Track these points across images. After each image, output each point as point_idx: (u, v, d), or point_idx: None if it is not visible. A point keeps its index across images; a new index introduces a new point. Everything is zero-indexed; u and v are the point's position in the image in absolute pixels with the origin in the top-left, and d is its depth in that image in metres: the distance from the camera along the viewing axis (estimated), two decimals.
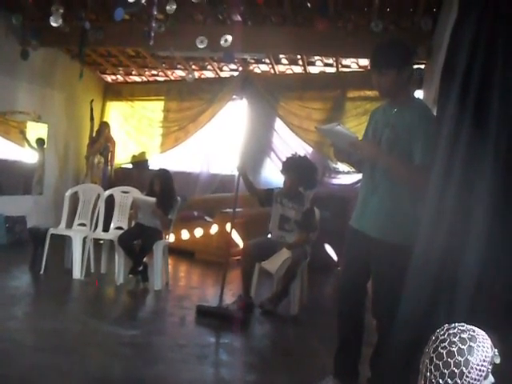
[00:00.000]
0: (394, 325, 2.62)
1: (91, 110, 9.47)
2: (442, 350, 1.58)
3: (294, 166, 5.39)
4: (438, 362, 1.57)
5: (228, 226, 7.78)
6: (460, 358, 1.55)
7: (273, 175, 8.68)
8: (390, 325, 2.70)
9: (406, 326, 2.56)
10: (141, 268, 5.96)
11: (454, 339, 1.58)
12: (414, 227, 2.75)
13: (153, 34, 5.86)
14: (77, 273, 6.14)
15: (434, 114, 3.03)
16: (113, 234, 6.35)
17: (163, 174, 6.35)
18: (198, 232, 8.25)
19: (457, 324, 1.64)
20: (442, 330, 1.64)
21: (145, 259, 6.03)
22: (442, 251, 2.46)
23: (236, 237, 7.51)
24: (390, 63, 3.02)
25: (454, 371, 1.55)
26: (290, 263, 5.10)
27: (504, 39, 2.36)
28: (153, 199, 5.97)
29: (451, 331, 1.61)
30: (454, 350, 1.56)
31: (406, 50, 3.10)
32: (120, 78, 10.61)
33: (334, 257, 8.16)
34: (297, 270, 5.20)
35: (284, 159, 5.75)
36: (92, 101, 9.51)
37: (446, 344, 1.58)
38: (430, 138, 2.80)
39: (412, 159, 2.94)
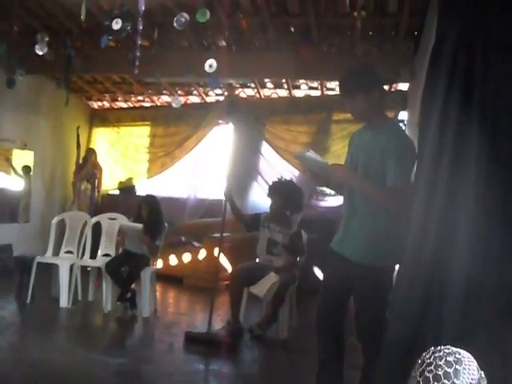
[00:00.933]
0: (381, 347, 2.61)
1: (77, 136, 9.47)
2: (428, 374, 1.57)
3: (280, 190, 5.41)
4: None
5: (216, 251, 7.77)
6: (447, 382, 1.54)
7: (260, 199, 8.68)
8: (376, 349, 2.68)
9: (393, 348, 2.55)
10: (129, 295, 5.91)
11: (440, 362, 1.57)
12: (394, 248, 2.80)
13: (137, 63, 5.89)
14: (64, 301, 6.08)
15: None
16: (100, 261, 6.31)
17: (150, 199, 6.34)
18: (186, 257, 8.21)
19: (442, 347, 1.63)
20: (428, 353, 1.63)
21: (133, 286, 5.99)
22: (428, 266, 2.47)
23: (224, 261, 7.48)
24: (357, 87, 3.05)
25: None
26: (278, 287, 5.09)
27: (481, 63, 2.40)
28: (139, 225, 5.95)
29: (437, 354, 1.61)
30: (440, 373, 1.55)
31: (371, 74, 3.15)
32: (106, 105, 10.63)
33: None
34: (285, 294, 5.18)
35: (270, 183, 5.77)
36: (78, 127, 9.51)
37: (432, 368, 1.57)
38: (402, 160, 2.87)
39: (385, 181, 2.95)
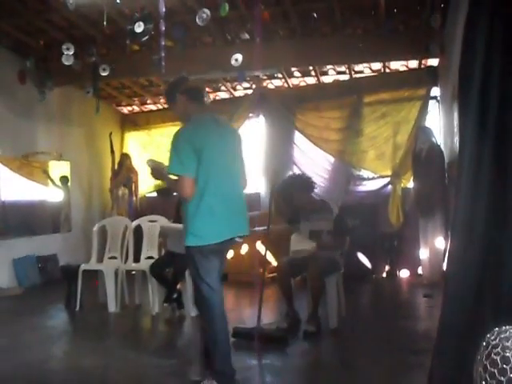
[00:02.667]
0: (440, 333, 2.54)
1: (111, 142, 9.54)
2: (495, 357, 1.49)
3: (291, 188, 5.33)
4: (492, 369, 1.48)
5: (258, 245, 7.74)
6: None
7: None
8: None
9: (451, 331, 2.47)
10: (175, 296, 5.93)
11: (508, 343, 1.49)
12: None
13: (163, 63, 5.88)
14: (112, 306, 6.14)
15: (454, 108, 2.98)
16: (144, 264, 6.34)
17: None
18: (229, 253, 8.18)
19: (507, 327, 1.55)
20: (493, 334, 1.55)
21: (178, 286, 6.00)
22: (480, 247, 2.39)
23: (268, 255, 7.44)
24: (168, 98, 3.80)
25: (511, 378, 1.45)
26: (316, 274, 5.05)
27: None
28: (180, 226, 5.93)
29: (503, 335, 1.52)
30: (509, 355, 1.47)
31: (174, 86, 3.74)
32: (136, 108, 10.69)
33: (368, 264, 8.05)
34: (324, 282, 5.11)
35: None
36: (111, 133, 9.59)
37: (499, 349, 1.49)
38: (171, 152, 3.42)
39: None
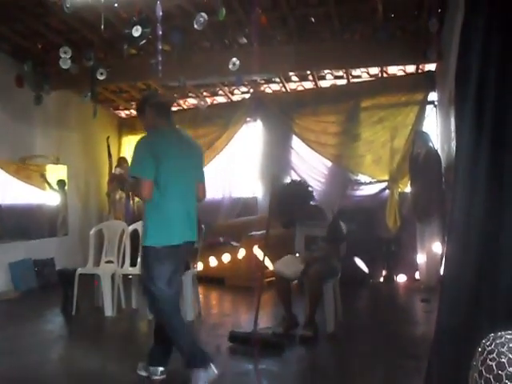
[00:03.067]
0: (437, 338, 2.53)
1: (108, 146, 9.55)
2: (490, 362, 1.48)
3: (292, 198, 5.32)
4: (488, 375, 1.47)
5: (255, 249, 7.73)
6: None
7: None
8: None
9: (447, 335, 2.47)
10: None
11: (503, 349, 1.48)
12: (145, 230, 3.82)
13: (160, 67, 5.88)
14: (108, 310, 6.13)
15: (451, 113, 2.98)
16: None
17: None
18: (226, 258, 8.20)
19: (503, 332, 1.54)
20: (488, 340, 1.54)
21: None
22: (476, 251, 2.38)
23: (265, 259, 7.43)
24: (139, 110, 4.15)
25: None
26: (313, 279, 5.06)
27: None
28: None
29: (498, 341, 1.51)
30: (504, 360, 1.46)
31: (145, 99, 4.16)
32: (133, 112, 10.68)
33: (365, 269, 8.04)
34: (322, 286, 5.11)
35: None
36: (108, 137, 9.59)
37: (494, 355, 1.48)
38: (133, 157, 3.89)
39: None
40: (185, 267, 5.90)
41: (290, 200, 5.25)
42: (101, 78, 7.40)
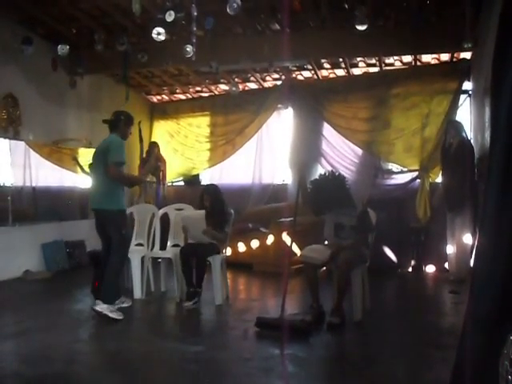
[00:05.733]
0: (466, 328, 2.51)
1: (139, 131, 9.62)
2: None
3: (329, 190, 5.28)
4: None
5: (284, 236, 7.75)
6: None
7: None
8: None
9: (478, 323, 2.45)
10: (196, 290, 5.90)
11: None
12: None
13: (194, 49, 5.90)
14: (137, 292, 6.22)
15: (486, 102, 2.93)
16: (170, 251, 6.39)
17: (211, 188, 6.33)
18: (255, 244, 8.24)
19: None
20: None
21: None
22: (509, 248, 2.35)
23: (293, 246, 7.45)
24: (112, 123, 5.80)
25: None
26: (342, 268, 5.04)
27: None
28: (201, 212, 5.95)
29: None
30: None
31: (118, 116, 5.90)
32: (165, 97, 10.76)
33: (394, 258, 8.00)
34: (350, 274, 5.10)
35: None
36: (140, 122, 9.66)
37: None
38: (119, 150, 5.59)
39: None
40: (213, 251, 5.96)
41: (327, 193, 5.22)
42: (142, 60, 7.52)
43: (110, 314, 5.22)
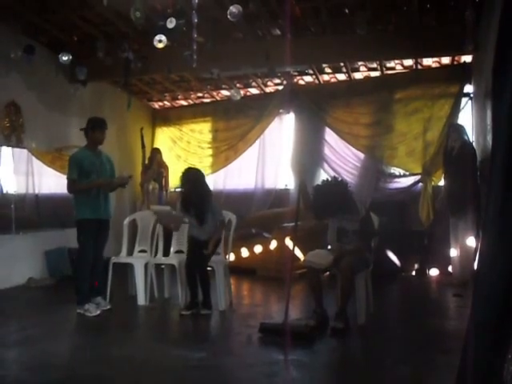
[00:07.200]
0: (470, 333, 2.50)
1: (142, 137, 9.64)
2: None
3: (331, 196, 5.25)
4: None
5: (287, 241, 7.74)
6: None
7: None
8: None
9: (482, 329, 2.44)
10: (200, 299, 5.87)
11: None
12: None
13: (195, 56, 5.91)
14: (141, 299, 6.21)
15: (488, 105, 2.93)
16: (173, 258, 6.39)
17: (188, 171, 6.10)
18: (258, 249, 8.23)
19: None
20: None
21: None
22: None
23: (296, 250, 7.45)
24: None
25: None
26: (345, 273, 5.04)
27: None
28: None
29: None
30: None
31: (89, 122, 6.09)
32: (167, 104, 10.78)
33: (397, 262, 7.99)
34: (353, 278, 5.09)
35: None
36: (142, 128, 9.68)
37: None
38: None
39: None
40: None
41: (329, 199, 5.18)
42: (144, 67, 7.64)
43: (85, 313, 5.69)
